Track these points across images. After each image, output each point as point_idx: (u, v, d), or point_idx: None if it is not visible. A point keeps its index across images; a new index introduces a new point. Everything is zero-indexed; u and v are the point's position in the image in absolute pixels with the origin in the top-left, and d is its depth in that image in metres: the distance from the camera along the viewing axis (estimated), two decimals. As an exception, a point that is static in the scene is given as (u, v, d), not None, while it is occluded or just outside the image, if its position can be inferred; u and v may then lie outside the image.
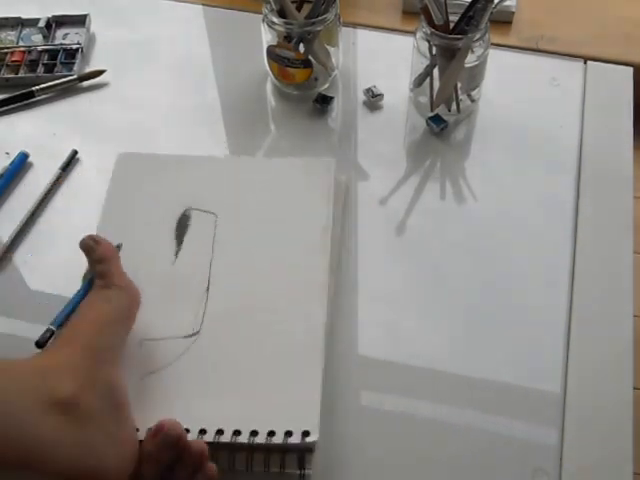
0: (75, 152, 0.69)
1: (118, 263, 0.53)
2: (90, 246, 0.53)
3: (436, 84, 0.69)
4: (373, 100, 0.73)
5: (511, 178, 0.67)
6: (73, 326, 0.50)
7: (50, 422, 0.42)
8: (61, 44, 0.79)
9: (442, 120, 0.70)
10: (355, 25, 0.81)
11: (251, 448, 0.48)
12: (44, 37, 0.81)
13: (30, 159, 0.69)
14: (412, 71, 0.71)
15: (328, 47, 0.72)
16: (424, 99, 0.71)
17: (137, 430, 0.47)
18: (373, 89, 0.73)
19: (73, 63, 0.77)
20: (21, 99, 0.74)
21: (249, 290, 0.57)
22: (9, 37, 0.81)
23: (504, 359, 0.56)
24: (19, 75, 0.76)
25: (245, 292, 0.57)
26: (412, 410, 0.54)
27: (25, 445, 0.41)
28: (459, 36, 0.64)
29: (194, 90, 0.76)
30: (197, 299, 0.56)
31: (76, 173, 0.69)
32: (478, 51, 0.66)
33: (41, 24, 0.81)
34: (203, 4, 0.85)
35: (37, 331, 0.51)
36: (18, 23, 0.82)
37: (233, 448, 0.48)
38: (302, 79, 0.72)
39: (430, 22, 0.65)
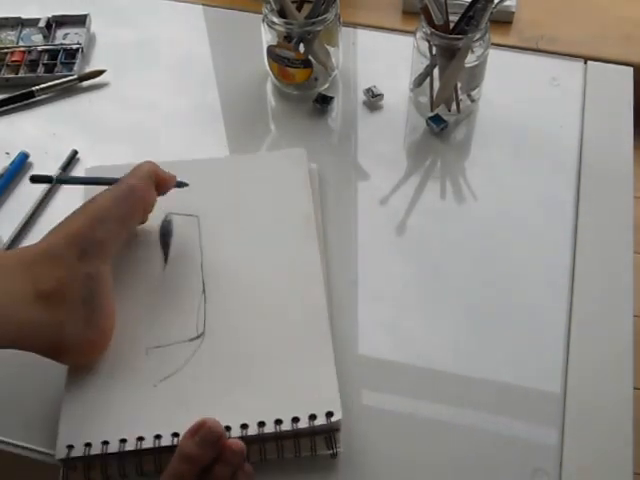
0: (75, 152, 0.69)
1: (145, 167, 0.56)
2: None
3: (436, 84, 0.69)
4: (373, 100, 0.73)
5: (511, 178, 0.67)
6: (69, 217, 0.53)
7: (32, 310, 0.48)
8: (61, 44, 0.79)
9: (442, 120, 0.70)
10: (355, 25, 0.81)
11: (279, 437, 0.49)
12: (44, 37, 0.81)
13: (30, 159, 0.70)
14: (412, 71, 0.71)
15: (328, 47, 0.72)
16: (424, 99, 0.71)
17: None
18: (373, 89, 0.73)
19: (73, 63, 0.77)
20: (21, 99, 0.74)
21: (245, 284, 0.57)
22: (9, 37, 0.81)
23: (504, 359, 0.56)
24: (19, 75, 0.76)
25: (241, 287, 0.57)
26: (412, 410, 0.54)
27: (9, 329, 0.48)
28: (459, 36, 0.64)
29: (194, 90, 0.76)
30: (195, 301, 0.56)
31: (76, 173, 0.68)
32: (478, 51, 0.66)
33: (41, 24, 0.81)
34: (203, 4, 0.85)
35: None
36: (18, 23, 0.82)
37: (261, 440, 0.49)
38: (302, 79, 0.73)
39: (430, 22, 0.65)
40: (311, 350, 0.53)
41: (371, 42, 0.80)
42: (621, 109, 0.72)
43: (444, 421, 0.53)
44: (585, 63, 0.76)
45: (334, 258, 0.61)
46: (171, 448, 0.48)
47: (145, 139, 0.71)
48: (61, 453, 0.48)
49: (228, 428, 0.48)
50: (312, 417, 0.49)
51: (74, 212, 0.53)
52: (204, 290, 0.57)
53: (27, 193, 0.66)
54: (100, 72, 0.76)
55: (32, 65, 0.78)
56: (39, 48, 0.79)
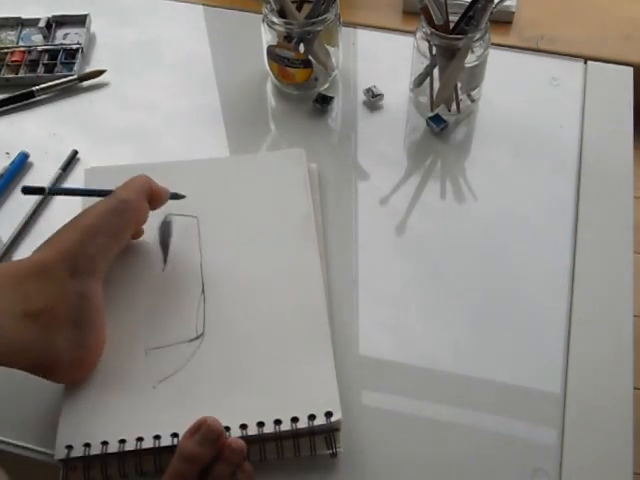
0: (75, 152, 0.69)
1: (139, 180, 0.55)
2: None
3: (436, 84, 0.69)
4: (373, 100, 0.73)
5: (511, 178, 0.67)
6: (61, 231, 0.52)
7: (21, 328, 0.47)
8: (61, 44, 0.79)
9: (442, 120, 0.70)
10: (355, 25, 0.81)
11: (278, 437, 0.49)
12: (44, 37, 0.81)
13: (30, 159, 0.70)
14: (412, 71, 0.71)
15: (328, 47, 0.72)
16: (424, 99, 0.71)
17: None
18: (373, 89, 0.73)
19: (73, 63, 0.77)
20: (21, 99, 0.74)
21: (244, 285, 0.57)
22: (9, 37, 0.81)
23: (504, 359, 0.56)
24: (19, 75, 0.76)
25: (241, 287, 0.57)
26: (412, 410, 0.54)
27: None
28: (459, 36, 0.64)
29: (194, 90, 0.76)
30: (194, 302, 0.56)
31: (76, 173, 0.69)
32: (478, 51, 0.66)
33: (41, 24, 0.81)
34: (203, 4, 0.85)
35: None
36: (18, 23, 0.82)
37: (261, 440, 0.49)
38: (302, 79, 0.73)
39: (430, 22, 0.65)
40: (310, 350, 0.53)
41: (371, 42, 0.80)
42: (621, 109, 0.72)
43: (444, 421, 0.53)
44: (585, 63, 0.76)
45: (334, 258, 0.61)
46: (171, 448, 0.48)
47: (145, 139, 0.71)
48: (60, 453, 0.49)
49: (228, 428, 0.48)
50: (311, 417, 0.49)
51: (66, 225, 0.52)
52: (203, 291, 0.57)
53: (27, 193, 0.67)
54: (100, 72, 0.76)
55: (32, 65, 0.78)
56: (39, 48, 0.79)
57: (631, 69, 0.76)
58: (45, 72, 0.77)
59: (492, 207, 0.65)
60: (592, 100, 0.73)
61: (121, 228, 0.54)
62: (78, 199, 0.62)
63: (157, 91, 0.76)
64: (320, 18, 0.68)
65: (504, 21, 1.46)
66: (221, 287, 0.57)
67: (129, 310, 0.56)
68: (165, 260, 0.59)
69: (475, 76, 0.69)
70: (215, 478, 0.46)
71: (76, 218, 0.53)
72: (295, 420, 0.49)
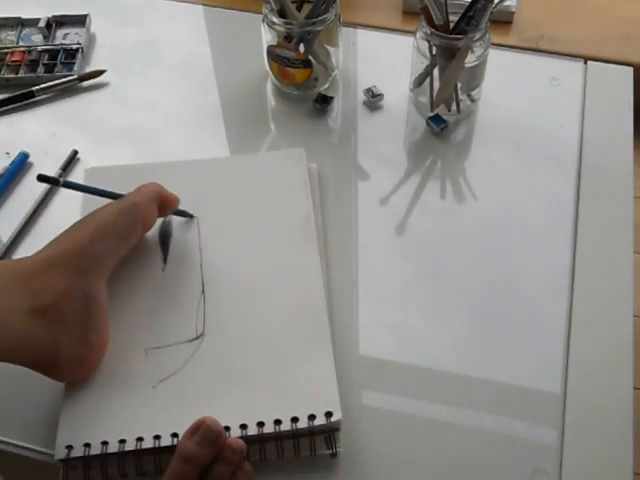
0: (75, 152, 0.69)
1: (150, 187, 0.56)
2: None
3: (436, 84, 0.69)
4: (373, 100, 0.73)
5: (511, 178, 0.67)
6: (70, 229, 0.52)
7: (29, 324, 0.48)
8: (61, 44, 0.79)
9: (442, 120, 0.70)
10: (355, 25, 0.81)
11: (278, 437, 0.49)
12: (44, 37, 0.81)
13: (30, 159, 0.70)
14: (412, 71, 0.71)
15: (328, 47, 0.72)
16: (424, 99, 0.71)
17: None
18: (373, 89, 0.73)
19: (73, 63, 0.77)
20: (21, 99, 0.74)
21: (244, 285, 0.57)
22: (9, 37, 0.81)
23: (504, 359, 0.56)
24: (19, 75, 0.76)
25: (241, 287, 0.57)
26: (412, 410, 0.54)
27: (4, 341, 0.47)
28: (459, 36, 0.64)
29: (194, 90, 0.76)
30: (194, 302, 0.56)
31: (76, 173, 0.69)
32: (478, 51, 0.66)
33: (41, 24, 0.81)
34: (203, 4, 0.85)
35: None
36: (18, 23, 0.82)
37: (261, 440, 0.49)
38: (302, 79, 0.73)
39: (430, 22, 0.65)
40: (310, 350, 0.53)
41: (371, 42, 0.80)
42: (621, 109, 0.72)
43: (444, 421, 0.53)
44: (585, 63, 0.76)
45: (334, 258, 0.61)
46: (171, 448, 0.48)
47: (145, 139, 0.71)
48: (60, 453, 0.49)
49: (227, 428, 0.48)
50: (311, 417, 0.49)
51: (75, 224, 0.53)
52: (203, 291, 0.57)
53: (27, 193, 0.67)
54: (100, 72, 0.76)
55: (32, 65, 0.78)
56: (39, 48, 0.79)
57: (631, 69, 0.76)
58: (45, 72, 0.77)
59: (492, 207, 0.65)
60: (592, 100, 0.73)
61: (129, 230, 0.54)
62: (79, 201, 0.62)
63: (157, 91, 0.76)
64: (320, 18, 0.68)
65: (504, 21, 1.46)
66: (221, 287, 0.57)
67: (129, 310, 0.56)
68: (165, 260, 0.59)
69: (475, 76, 0.69)
70: (215, 478, 0.46)
71: (86, 218, 0.53)
72: (295, 420, 0.49)
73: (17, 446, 0.52)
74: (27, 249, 0.63)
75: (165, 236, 0.60)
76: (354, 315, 0.58)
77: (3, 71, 0.77)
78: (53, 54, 0.78)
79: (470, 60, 0.66)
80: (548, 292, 0.59)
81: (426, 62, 0.68)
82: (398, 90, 0.74)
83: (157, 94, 0.75)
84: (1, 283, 0.49)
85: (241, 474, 0.47)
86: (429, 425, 0.53)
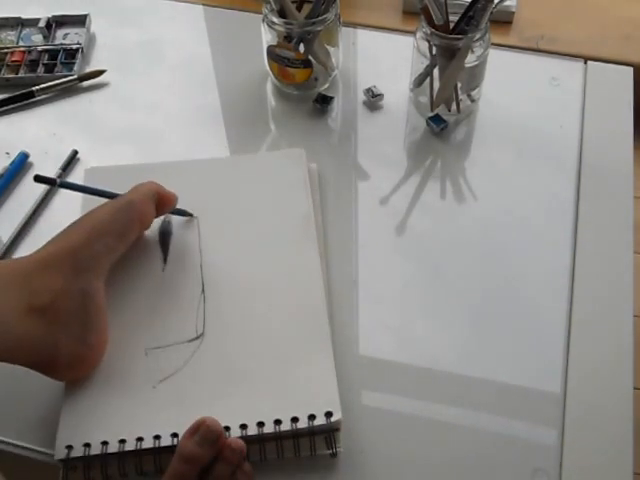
0: (75, 152, 0.69)
1: (147, 185, 0.56)
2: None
3: (436, 84, 0.69)
4: (373, 100, 0.73)
5: (511, 178, 0.67)
6: (67, 229, 0.52)
7: (27, 323, 0.48)
8: (61, 44, 0.79)
9: (442, 120, 0.70)
10: (355, 25, 0.81)
11: (278, 437, 0.49)
12: (44, 37, 0.81)
13: (30, 159, 0.70)
14: (412, 71, 0.71)
15: (328, 47, 0.72)
16: (424, 99, 0.71)
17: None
18: (373, 89, 0.73)
19: (73, 63, 0.77)
20: (21, 99, 0.74)
21: (244, 285, 0.57)
22: (9, 37, 0.81)
23: (504, 359, 0.56)
24: (19, 75, 0.76)
25: (241, 287, 0.57)
26: (412, 410, 0.54)
27: (3, 341, 0.47)
28: (459, 36, 0.64)
29: (194, 90, 0.76)
30: (194, 302, 0.56)
31: (76, 173, 0.69)
32: (478, 51, 0.66)
33: (41, 24, 0.81)
34: (203, 4, 0.85)
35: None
36: (18, 23, 0.82)
37: (261, 440, 0.49)
38: (302, 79, 0.73)
39: (430, 22, 0.65)
40: (310, 350, 0.53)
41: (371, 42, 0.80)
42: (621, 109, 0.72)
43: (444, 421, 0.53)
44: (585, 63, 0.76)
45: (334, 258, 0.61)
46: (171, 448, 0.48)
47: (145, 139, 0.71)
48: (60, 453, 0.49)
49: (227, 428, 0.48)
50: (311, 417, 0.49)
51: (72, 224, 0.53)
52: (203, 290, 0.57)
53: (27, 193, 0.67)
54: (100, 72, 0.76)
55: (32, 65, 0.78)
56: (39, 48, 0.79)
57: (631, 69, 0.76)
58: (45, 72, 0.77)
59: (492, 207, 0.65)
60: (592, 100, 0.73)
61: (126, 228, 0.54)
62: (79, 201, 0.62)
63: (157, 91, 0.76)
64: (320, 18, 0.68)
65: (504, 21, 1.47)
66: (221, 287, 0.57)
67: (129, 310, 0.56)
68: (165, 260, 0.59)
69: (475, 76, 0.69)
70: (215, 478, 0.46)
71: (83, 217, 0.53)
72: (295, 420, 0.49)
73: (17, 446, 0.52)
74: (27, 249, 0.63)
75: (165, 236, 0.60)
76: (354, 315, 0.58)
77: (3, 71, 0.77)
78: (53, 54, 0.78)
79: (470, 60, 0.66)
80: (548, 292, 0.59)
81: (426, 62, 0.68)
82: (398, 90, 0.74)
83: (157, 94, 0.75)
84: None
85: (241, 474, 0.47)
86: (429, 425, 0.53)
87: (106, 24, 0.82)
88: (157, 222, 0.60)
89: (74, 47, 0.79)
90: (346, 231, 0.64)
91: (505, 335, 0.57)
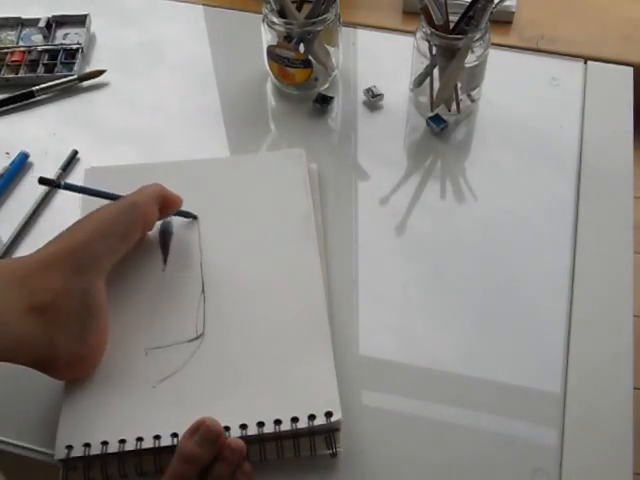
0: (75, 152, 0.69)
1: (151, 187, 0.56)
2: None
3: (436, 84, 0.69)
4: (373, 100, 0.73)
5: (511, 178, 0.67)
6: (69, 229, 0.52)
7: (27, 323, 0.48)
8: (61, 44, 0.79)
9: (442, 120, 0.70)
10: (355, 25, 0.81)
11: (278, 437, 0.49)
12: (44, 37, 0.81)
13: (30, 159, 0.70)
14: (412, 71, 0.71)
15: (328, 47, 0.72)
16: (424, 99, 0.71)
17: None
18: (373, 89, 0.73)
19: (73, 63, 0.77)
20: (21, 99, 0.74)
21: (244, 285, 0.57)
22: (9, 37, 0.81)
23: (504, 359, 0.56)
24: (19, 75, 0.76)
25: (241, 287, 0.57)
26: (412, 410, 0.54)
27: (3, 341, 0.47)
28: (459, 36, 0.64)
29: (194, 90, 0.76)
30: (194, 302, 0.56)
31: (76, 173, 0.69)
32: (478, 51, 0.66)
33: (41, 24, 0.81)
34: (203, 4, 0.85)
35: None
36: (18, 23, 0.82)
37: (261, 440, 0.49)
38: (302, 79, 0.73)
39: (430, 22, 0.65)
40: (310, 350, 0.53)
41: (371, 42, 0.80)
42: (621, 109, 0.72)
43: (444, 421, 0.53)
44: (585, 63, 0.76)
45: (334, 258, 0.61)
46: (171, 448, 0.48)
47: (145, 139, 0.71)
48: (60, 453, 0.49)
49: (227, 428, 0.48)
50: (311, 417, 0.49)
51: (74, 224, 0.53)
52: (203, 290, 0.57)
53: (27, 193, 0.67)
54: (100, 72, 0.76)
55: (32, 65, 0.78)
56: (39, 48, 0.79)
57: (631, 69, 0.76)
58: (45, 72, 0.77)
59: (492, 207, 0.65)
60: (592, 100, 0.73)
61: (129, 230, 0.54)
62: (79, 201, 0.62)
63: (157, 91, 0.76)
64: (320, 18, 0.68)
65: (504, 21, 1.47)
66: (221, 287, 0.57)
67: (129, 310, 0.56)
68: (165, 260, 0.59)
69: (475, 76, 0.69)
70: (215, 478, 0.46)
71: (85, 217, 0.53)
72: (295, 420, 0.49)
73: (17, 446, 0.52)
74: (27, 249, 0.62)
75: (165, 236, 0.60)
76: (354, 315, 0.58)
77: (3, 71, 0.77)
78: (53, 54, 0.78)
79: (470, 60, 0.66)
80: (548, 292, 0.59)
81: (426, 62, 0.68)
82: (398, 90, 0.74)
83: (157, 94, 0.75)
84: None
85: (241, 474, 0.47)
86: (429, 425, 0.53)
87: (106, 24, 0.82)
88: (158, 222, 0.60)
89: (74, 47, 0.79)
90: (346, 231, 0.64)
91: (505, 335, 0.57)
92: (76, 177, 0.68)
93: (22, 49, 0.79)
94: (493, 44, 0.68)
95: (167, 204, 0.57)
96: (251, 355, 0.53)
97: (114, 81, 0.77)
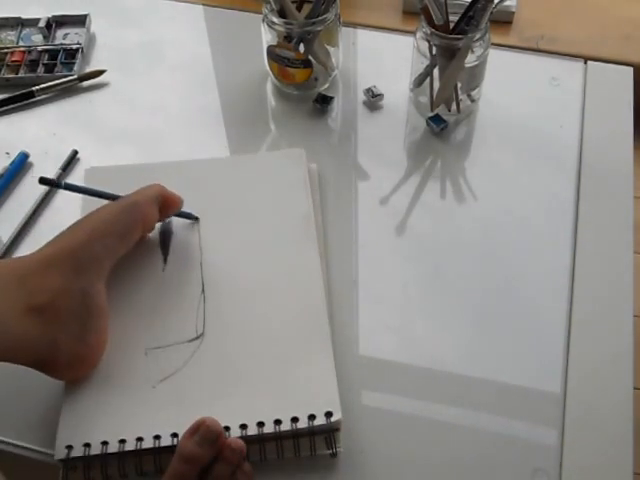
0: (75, 152, 0.69)
1: (152, 188, 0.56)
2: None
3: (436, 84, 0.69)
4: (373, 100, 0.73)
5: (511, 178, 0.67)
6: (69, 229, 0.52)
7: (26, 323, 0.48)
8: (61, 44, 0.79)
9: (442, 120, 0.70)
10: (355, 25, 0.81)
11: (278, 437, 0.49)
12: (44, 37, 0.81)
13: (30, 159, 0.70)
14: (412, 71, 0.71)
15: (328, 47, 0.72)
16: (424, 99, 0.71)
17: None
18: (373, 89, 0.73)
19: (73, 63, 0.77)
20: (21, 99, 0.74)
21: (244, 285, 0.57)
22: (9, 37, 0.81)
23: (504, 359, 0.56)
24: (19, 75, 0.76)
25: (241, 287, 0.57)
26: (412, 410, 0.54)
27: (2, 341, 0.47)
28: (459, 36, 0.64)
29: (194, 90, 0.76)
30: (194, 302, 0.56)
31: (76, 173, 0.69)
32: (478, 51, 0.66)
33: (41, 24, 0.81)
34: (203, 4, 0.85)
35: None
36: (18, 23, 0.82)
37: (261, 440, 0.49)
38: (302, 79, 0.73)
39: (430, 22, 0.65)
40: (310, 350, 0.53)
41: (371, 42, 0.80)
42: (621, 109, 0.72)
43: (444, 421, 0.53)
44: (585, 63, 0.76)
45: (334, 258, 0.61)
46: (171, 448, 0.48)
47: (145, 139, 0.71)
48: (60, 453, 0.49)
49: (227, 428, 0.48)
50: (311, 417, 0.49)
51: (74, 224, 0.53)
52: (203, 290, 0.57)
53: (27, 193, 0.67)
54: (100, 72, 0.76)
55: (32, 65, 0.78)
56: (39, 48, 0.79)
57: (631, 69, 0.76)
58: (45, 72, 0.77)
59: (492, 207, 0.65)
60: (592, 100, 0.73)
61: (128, 230, 0.54)
62: (79, 201, 0.62)
63: (157, 91, 0.76)
64: (320, 18, 0.68)
65: (504, 21, 1.47)
66: (221, 287, 0.57)
67: (129, 310, 0.56)
68: (165, 260, 0.59)
69: (475, 76, 0.69)
70: (215, 478, 0.46)
71: (85, 217, 0.53)
72: (295, 420, 0.49)
73: (17, 446, 0.52)
74: (27, 249, 0.63)
75: (165, 236, 0.60)
76: (354, 315, 0.58)
77: (3, 71, 0.77)
78: (53, 54, 0.78)
79: (470, 60, 0.66)
80: (548, 292, 0.59)
81: (426, 62, 0.68)
82: (398, 90, 0.74)
83: (157, 94, 0.75)
84: None
85: (241, 474, 0.47)
86: (429, 425, 0.53)
87: (106, 24, 0.82)
88: (158, 223, 0.60)
89: (74, 47, 0.79)
90: (346, 231, 0.64)
91: (505, 335, 0.57)
92: (76, 177, 0.68)
93: (22, 49, 0.79)
94: (493, 44, 0.68)
95: (167, 204, 0.57)
96: (251, 355, 0.53)
97: (114, 81, 0.77)
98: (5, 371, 0.51)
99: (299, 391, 0.51)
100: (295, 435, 0.49)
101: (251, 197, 0.63)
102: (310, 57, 0.71)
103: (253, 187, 0.64)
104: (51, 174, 0.67)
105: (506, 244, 0.62)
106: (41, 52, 0.79)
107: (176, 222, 0.61)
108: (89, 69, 0.77)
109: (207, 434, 0.46)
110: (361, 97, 0.74)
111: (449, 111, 0.71)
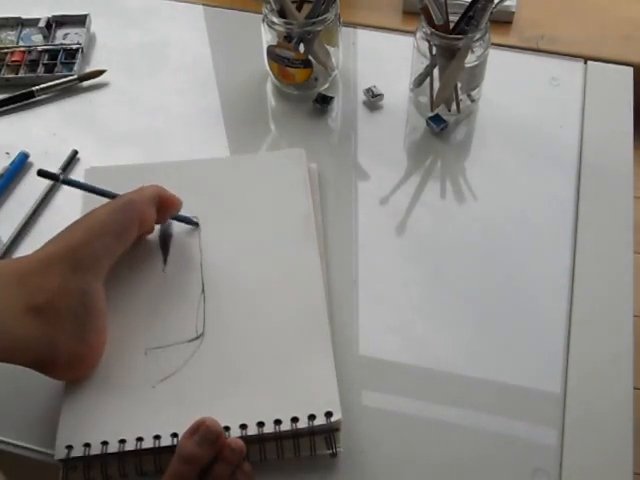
0: (75, 152, 0.69)
1: (149, 188, 0.56)
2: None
3: (436, 84, 0.69)
4: (373, 100, 0.73)
5: (511, 178, 0.67)
6: (66, 230, 0.52)
7: (24, 323, 0.48)
8: (61, 44, 0.79)
9: (442, 120, 0.70)
10: (355, 25, 0.81)
11: (278, 437, 0.49)
12: (44, 37, 0.81)
13: (30, 159, 0.70)
14: (412, 71, 0.71)
15: (328, 47, 0.72)
16: (424, 99, 0.71)
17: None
18: (373, 89, 0.73)
19: (73, 63, 0.77)
20: (21, 99, 0.74)
21: (244, 285, 0.57)
22: (9, 37, 0.81)
23: (504, 359, 0.56)
24: (19, 75, 0.76)
25: (241, 288, 0.57)
26: (412, 410, 0.54)
27: (1, 341, 0.47)
28: (459, 36, 0.64)
29: (194, 90, 0.76)
30: (194, 302, 0.56)
31: (76, 173, 0.69)
32: (478, 51, 0.66)
33: (41, 24, 0.81)
34: (203, 4, 0.85)
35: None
36: (18, 23, 0.82)
37: (261, 440, 0.49)
38: (302, 79, 0.73)
39: (430, 22, 0.65)
40: (310, 350, 0.53)
41: (371, 42, 0.80)
42: (621, 109, 0.72)
43: (444, 421, 0.53)
44: (585, 63, 0.76)
45: (334, 258, 0.61)
46: (171, 448, 0.48)
47: (145, 139, 0.71)
48: (60, 453, 0.49)
49: (227, 428, 0.48)
50: (311, 417, 0.49)
51: (72, 224, 0.53)
52: (203, 290, 0.57)
53: (27, 193, 0.67)
54: (100, 72, 0.76)
55: (32, 65, 0.78)
56: (39, 48, 0.79)
57: (631, 69, 0.76)
58: (45, 72, 0.77)
59: (492, 207, 0.65)
60: (592, 100, 0.73)
61: (125, 228, 0.54)
62: (79, 201, 0.62)
63: (157, 91, 0.76)
64: (320, 18, 0.68)
65: (504, 21, 1.47)
66: (221, 287, 0.57)
67: (129, 310, 0.56)
68: (165, 260, 0.59)
69: (475, 76, 0.69)
70: (215, 478, 0.46)
71: (82, 217, 0.53)
72: (295, 420, 0.49)
73: (17, 446, 0.52)
74: (27, 249, 0.62)
75: (165, 236, 0.60)
76: (354, 315, 0.58)
77: (3, 71, 0.77)
78: (53, 54, 0.78)
79: (470, 60, 0.66)
80: (548, 292, 0.59)
81: (426, 62, 0.68)
82: (398, 90, 0.74)
83: (157, 94, 0.75)
84: None
85: (241, 474, 0.47)
86: (429, 425, 0.53)
87: (106, 24, 0.82)
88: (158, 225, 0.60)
89: (74, 47, 0.79)
90: (346, 231, 0.64)
91: (505, 335, 0.57)
92: (76, 177, 0.68)
93: (22, 49, 0.79)
94: (493, 44, 0.68)
95: (165, 205, 0.57)
96: (251, 355, 0.53)
97: (114, 81, 0.77)
98: (5, 371, 0.51)
99: (299, 391, 0.51)
100: (295, 435, 0.49)
101: (251, 197, 0.63)
102: (310, 57, 0.71)
103: (253, 187, 0.64)
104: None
105: (506, 244, 0.62)
106: (41, 52, 0.79)
107: (176, 224, 0.61)
108: (89, 69, 0.77)
109: (207, 434, 0.46)
110: (361, 97, 0.74)
111: (449, 111, 0.71)
